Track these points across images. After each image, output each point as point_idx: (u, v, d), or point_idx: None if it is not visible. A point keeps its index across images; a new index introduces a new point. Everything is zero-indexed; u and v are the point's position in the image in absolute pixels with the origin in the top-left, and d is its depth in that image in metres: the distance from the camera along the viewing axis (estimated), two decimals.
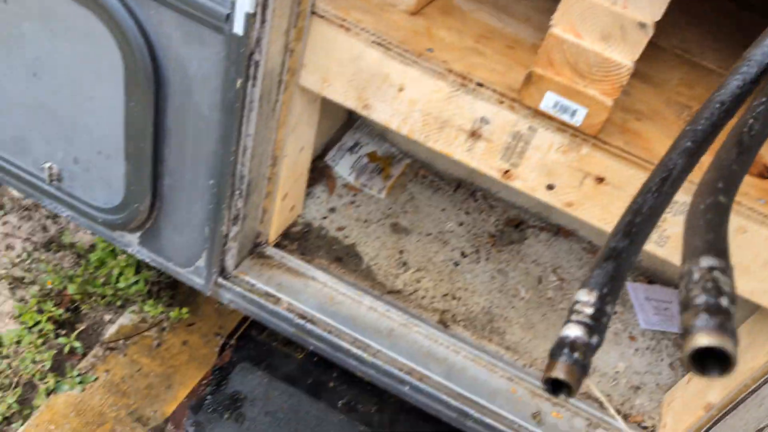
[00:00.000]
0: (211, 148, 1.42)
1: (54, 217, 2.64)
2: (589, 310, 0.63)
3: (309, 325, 1.62)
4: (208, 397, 1.81)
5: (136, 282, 2.30)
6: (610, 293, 0.66)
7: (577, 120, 1.19)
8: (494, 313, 1.77)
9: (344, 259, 1.78)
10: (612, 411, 1.64)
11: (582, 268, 1.98)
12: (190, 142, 1.44)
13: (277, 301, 1.65)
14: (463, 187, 2.09)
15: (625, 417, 1.65)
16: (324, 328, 1.62)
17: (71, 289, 2.27)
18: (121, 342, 2.33)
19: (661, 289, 1.99)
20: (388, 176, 2.02)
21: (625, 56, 1.11)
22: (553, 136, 1.24)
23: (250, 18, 1.17)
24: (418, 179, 2.07)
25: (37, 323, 2.23)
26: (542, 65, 1.16)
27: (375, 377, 1.64)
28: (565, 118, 1.19)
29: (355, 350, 1.61)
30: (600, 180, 1.26)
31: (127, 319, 2.39)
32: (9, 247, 2.48)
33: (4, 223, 2.56)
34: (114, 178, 1.60)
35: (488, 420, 1.57)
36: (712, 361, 0.53)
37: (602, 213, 1.30)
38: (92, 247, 2.44)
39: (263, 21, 1.20)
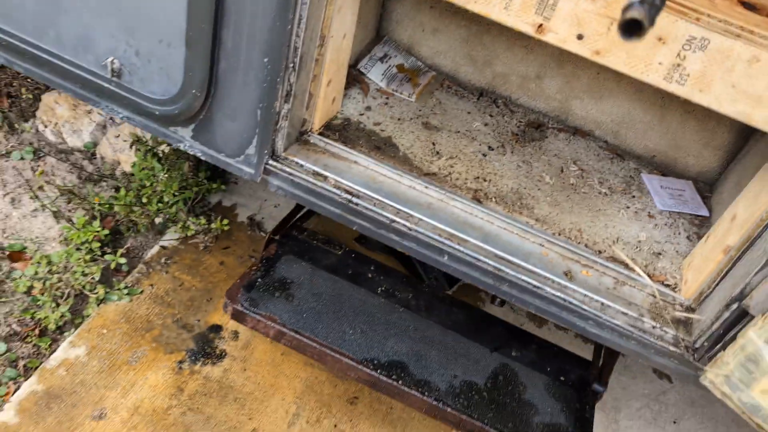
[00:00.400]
0: (267, 24, 1.56)
1: (90, 157, 2.77)
2: None
3: (355, 200, 1.76)
4: (259, 279, 1.93)
5: (176, 202, 2.43)
6: None
7: None
8: (522, 193, 1.92)
9: (382, 148, 1.92)
10: (638, 269, 1.79)
11: (600, 161, 2.13)
12: (247, 20, 1.59)
13: (325, 179, 1.78)
14: (486, 96, 2.24)
15: (649, 276, 1.79)
16: (369, 201, 1.76)
17: (116, 208, 2.40)
18: (163, 260, 2.46)
19: (673, 179, 2.14)
20: (417, 84, 2.16)
21: None
22: None
23: None
24: (444, 89, 2.22)
25: (84, 242, 2.35)
26: None
27: (416, 250, 1.78)
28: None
29: (398, 221, 1.75)
30: None
31: (167, 240, 2.52)
32: (49, 183, 2.61)
33: (44, 164, 2.69)
34: (173, 67, 1.73)
35: (523, 277, 1.70)
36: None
37: (628, 57, 1.45)
38: (132, 176, 2.57)
39: None
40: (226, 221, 2.43)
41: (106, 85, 1.85)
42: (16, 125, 2.80)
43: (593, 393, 1.93)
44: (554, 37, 1.48)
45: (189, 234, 2.45)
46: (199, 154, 1.90)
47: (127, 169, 2.65)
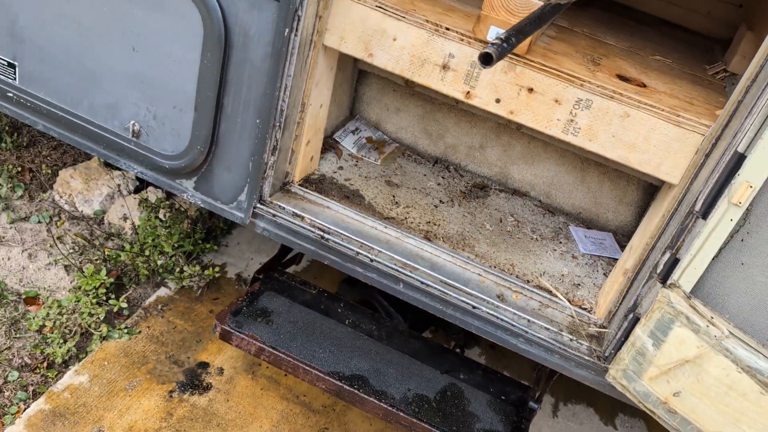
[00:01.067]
0: (260, 91, 2.02)
1: (99, 223, 3.15)
2: (504, 37, 1.22)
3: (326, 236, 2.15)
4: (244, 308, 2.27)
5: (174, 254, 2.80)
6: (514, 36, 1.25)
7: None
8: (466, 235, 2.31)
9: (351, 197, 2.34)
10: (560, 295, 2.16)
11: (534, 215, 2.55)
12: (244, 89, 2.04)
13: (302, 219, 2.18)
14: (439, 163, 2.69)
15: (569, 301, 2.16)
16: (338, 237, 2.15)
17: (122, 257, 2.76)
18: (159, 307, 2.79)
19: (596, 231, 2.55)
20: (382, 152, 2.61)
21: None
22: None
23: None
24: (405, 157, 2.67)
25: (92, 289, 2.69)
26: (487, 9, 1.80)
27: (377, 280, 2.15)
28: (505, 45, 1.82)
29: (362, 253, 2.13)
30: (530, 90, 1.88)
31: (163, 291, 2.86)
32: (62, 242, 2.97)
33: (59, 227, 3.07)
34: (183, 128, 2.17)
35: (464, 299, 2.07)
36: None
37: (534, 115, 1.90)
38: (136, 235, 2.94)
39: None
40: (217, 268, 2.79)
41: (127, 144, 2.28)
42: (35, 195, 3.20)
43: (530, 410, 2.24)
44: (479, 101, 1.94)
45: (184, 284, 2.79)
46: (199, 203, 2.30)
47: (131, 232, 3.03)
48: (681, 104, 1.84)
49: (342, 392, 2.10)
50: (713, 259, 1.65)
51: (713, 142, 1.69)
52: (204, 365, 2.61)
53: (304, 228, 2.17)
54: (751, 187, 1.52)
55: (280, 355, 2.13)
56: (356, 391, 2.08)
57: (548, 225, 2.52)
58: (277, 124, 2.05)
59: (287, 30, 1.88)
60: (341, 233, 2.16)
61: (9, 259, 2.83)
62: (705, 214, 1.63)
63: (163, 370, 2.55)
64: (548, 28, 2.15)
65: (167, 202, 3.01)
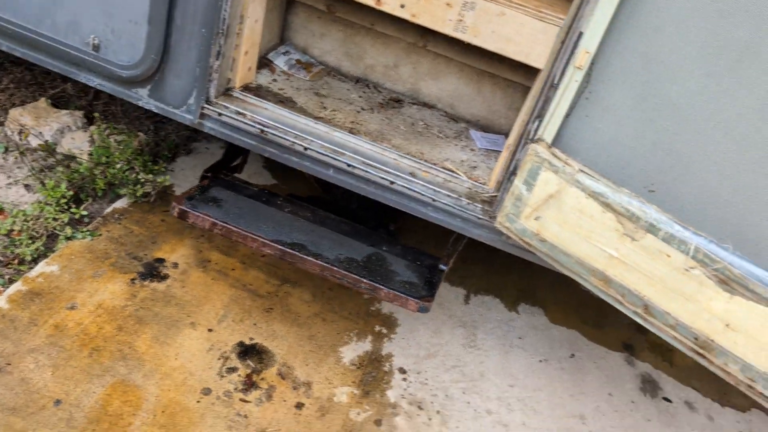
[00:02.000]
0: (205, 4, 2.41)
1: (53, 152, 3.45)
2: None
3: (266, 130, 2.56)
4: (197, 195, 2.67)
5: (129, 168, 3.15)
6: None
7: None
8: (384, 132, 2.78)
9: (285, 102, 2.76)
10: (460, 173, 2.65)
11: (440, 122, 3.04)
12: (191, 3, 2.43)
13: (244, 116, 2.59)
14: (360, 82, 3.14)
15: (468, 178, 2.65)
16: (276, 131, 2.57)
17: (81, 169, 3.09)
18: (116, 216, 3.13)
19: (491, 134, 3.07)
20: (310, 71, 3.04)
21: None
22: None
23: None
24: (330, 76, 3.11)
25: (54, 200, 3.01)
26: None
27: (309, 167, 2.58)
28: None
29: (297, 144, 2.56)
30: None
31: (120, 203, 3.20)
32: (19, 167, 3.26)
33: (21, 144, 3.35)
34: (138, 40, 2.54)
35: (382, 175, 2.53)
36: None
37: (431, 17, 2.38)
38: (90, 157, 3.27)
39: None
40: (168, 177, 3.16)
41: (87, 58, 2.62)
42: None
43: (440, 270, 2.73)
44: (387, 7, 2.40)
45: (138, 194, 3.15)
46: (153, 108, 2.67)
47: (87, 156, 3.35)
48: (544, 4, 2.36)
49: (285, 255, 2.53)
50: (566, 116, 2.16)
51: (566, 30, 2.20)
52: (160, 260, 2.98)
53: (246, 124, 2.58)
54: (587, 52, 2.03)
55: (231, 227, 2.54)
56: (297, 253, 2.52)
57: (452, 129, 3.01)
58: (221, 31, 2.46)
59: None
60: (279, 127, 2.58)
61: None
62: (558, 83, 2.15)
63: (124, 263, 2.91)
64: None
65: (118, 127, 3.35)
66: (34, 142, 3.47)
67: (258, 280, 3.02)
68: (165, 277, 2.90)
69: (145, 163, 3.27)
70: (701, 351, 2.05)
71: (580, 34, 2.06)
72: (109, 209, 3.17)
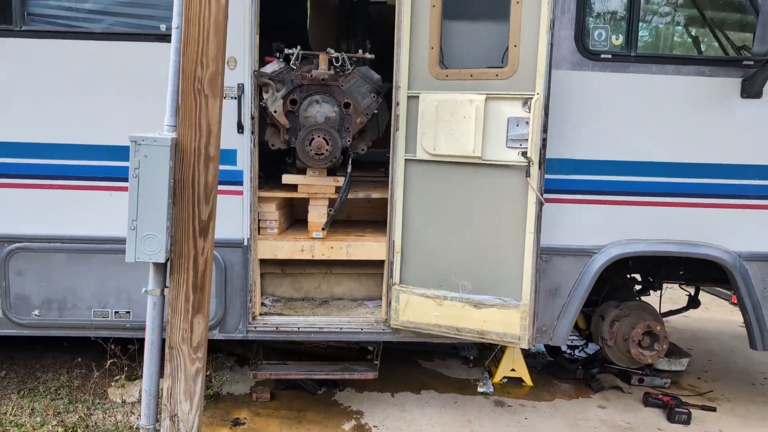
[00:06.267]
0: (242, 279, 5.61)
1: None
2: None
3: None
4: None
5: None
6: None
7: None
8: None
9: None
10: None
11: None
12: (235, 283, 5.61)
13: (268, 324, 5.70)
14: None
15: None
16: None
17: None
18: None
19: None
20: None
21: None
22: None
23: None
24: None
25: None
26: None
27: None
28: None
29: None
30: None
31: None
32: None
33: None
34: (213, 309, 5.63)
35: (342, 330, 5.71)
36: None
37: None
38: None
39: None
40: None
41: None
42: None
43: None
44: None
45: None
46: (221, 338, 5.68)
47: None
48: None
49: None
50: None
51: None
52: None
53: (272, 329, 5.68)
54: None
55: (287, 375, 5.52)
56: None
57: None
58: (251, 289, 5.64)
59: None
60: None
61: None
62: None
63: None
64: None
65: None
66: None
67: None
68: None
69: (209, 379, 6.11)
70: (481, 336, 5.31)
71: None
72: None
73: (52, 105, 5.21)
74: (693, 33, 5.83)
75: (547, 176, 5.10)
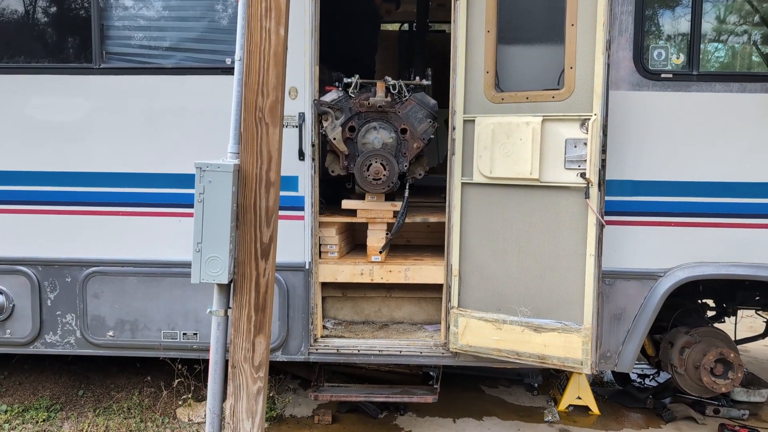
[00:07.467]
0: (304, 300, 5.73)
1: None
2: None
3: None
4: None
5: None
6: None
7: None
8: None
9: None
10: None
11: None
12: (297, 306, 5.73)
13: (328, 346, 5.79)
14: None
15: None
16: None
17: None
18: None
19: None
20: None
21: None
22: None
23: None
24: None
25: None
26: None
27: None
28: None
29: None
30: None
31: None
32: None
33: None
34: (275, 334, 5.76)
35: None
36: None
37: None
38: None
39: None
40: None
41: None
42: None
43: None
44: None
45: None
46: (284, 359, 5.79)
47: None
48: None
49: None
50: None
51: None
52: None
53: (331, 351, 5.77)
54: None
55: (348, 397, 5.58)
56: None
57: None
58: (313, 312, 5.75)
59: None
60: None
61: None
62: None
63: None
64: None
65: None
66: None
67: None
68: None
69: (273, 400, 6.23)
70: (541, 361, 5.23)
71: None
72: None
73: (127, 135, 5.53)
74: (760, 49, 5.67)
75: (607, 198, 5.03)
